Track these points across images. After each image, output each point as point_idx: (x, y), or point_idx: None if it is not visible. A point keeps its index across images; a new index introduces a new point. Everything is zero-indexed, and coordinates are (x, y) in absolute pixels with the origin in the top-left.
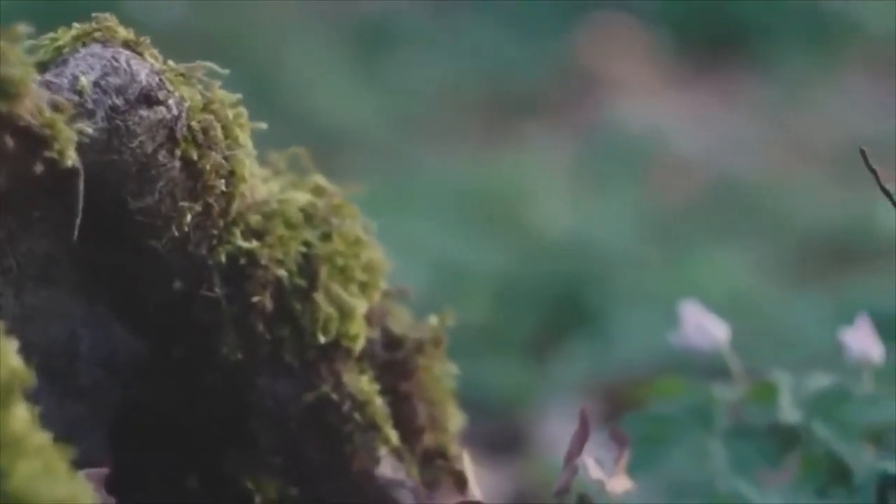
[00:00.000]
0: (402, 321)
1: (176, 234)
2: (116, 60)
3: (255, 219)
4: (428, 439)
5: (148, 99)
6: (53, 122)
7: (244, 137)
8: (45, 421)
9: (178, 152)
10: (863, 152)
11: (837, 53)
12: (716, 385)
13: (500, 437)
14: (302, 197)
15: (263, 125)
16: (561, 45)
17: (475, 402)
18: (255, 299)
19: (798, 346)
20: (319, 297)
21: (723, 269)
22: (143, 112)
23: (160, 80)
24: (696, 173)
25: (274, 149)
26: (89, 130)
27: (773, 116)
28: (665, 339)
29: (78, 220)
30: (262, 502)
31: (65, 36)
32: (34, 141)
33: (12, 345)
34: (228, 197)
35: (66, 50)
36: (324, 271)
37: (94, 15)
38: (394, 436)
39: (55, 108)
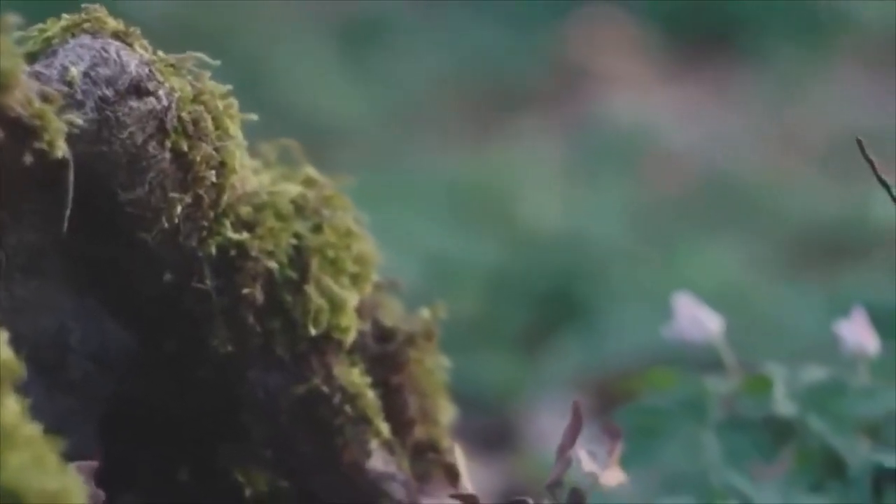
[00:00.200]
0: (393, 313)
1: (166, 225)
2: (106, 51)
3: (245, 210)
4: (419, 432)
5: (138, 90)
6: (43, 112)
7: (234, 128)
8: (35, 413)
9: (168, 143)
10: (859, 142)
11: (829, 46)
12: (709, 377)
13: (491, 431)
14: (293, 188)
15: (254, 116)
16: (551, 39)
17: (466, 396)
18: (246, 291)
19: (791, 339)
20: (310, 289)
21: (715, 263)
22: (133, 103)
23: (150, 70)
24: (687, 167)
25: (263, 142)
26: (79, 121)
27: (764, 110)
28: (656, 333)
29: (67, 212)
30: (252, 495)
31: (54, 27)
32: (24, 132)
33: (2, 336)
34: (219, 188)
35: (56, 41)
36: (315, 263)
37: (83, 6)
38: (385, 428)
39: (45, 98)
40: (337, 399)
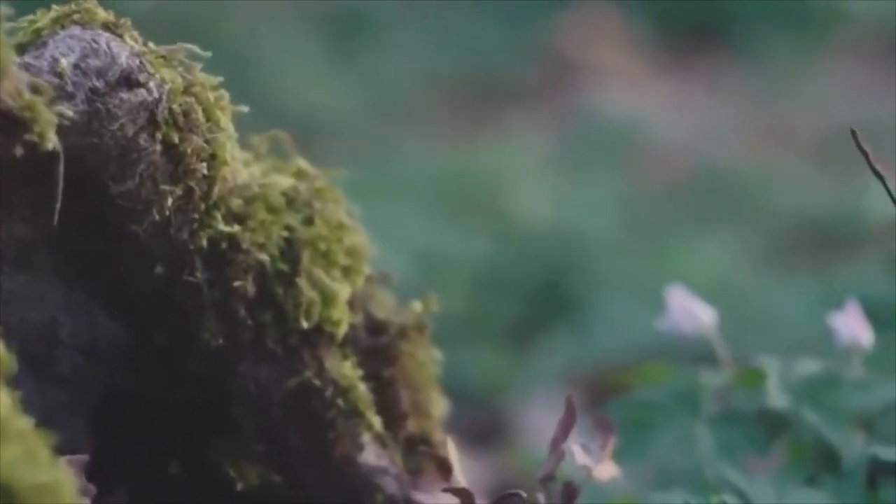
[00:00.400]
0: (385, 306)
1: (157, 218)
2: (96, 42)
3: (236, 202)
4: (412, 425)
5: (128, 81)
6: (33, 104)
7: (225, 120)
8: (26, 407)
9: (158, 135)
10: (854, 133)
11: (821, 39)
12: (702, 371)
13: (482, 426)
14: (284, 181)
15: (245, 108)
16: (541, 31)
17: (456, 391)
18: (237, 284)
19: (783, 332)
20: (302, 281)
21: (706, 256)
22: (124, 94)
23: (141, 62)
24: (678, 161)
25: (252, 135)
26: (69, 113)
27: (755, 103)
28: (647, 327)
29: (58, 205)
30: (244, 489)
31: (43, 18)
32: (14, 124)
33: None
34: (210, 180)
35: (46, 32)
36: (306, 256)
37: None
38: (377, 422)
39: (35, 90)
40: (329, 392)
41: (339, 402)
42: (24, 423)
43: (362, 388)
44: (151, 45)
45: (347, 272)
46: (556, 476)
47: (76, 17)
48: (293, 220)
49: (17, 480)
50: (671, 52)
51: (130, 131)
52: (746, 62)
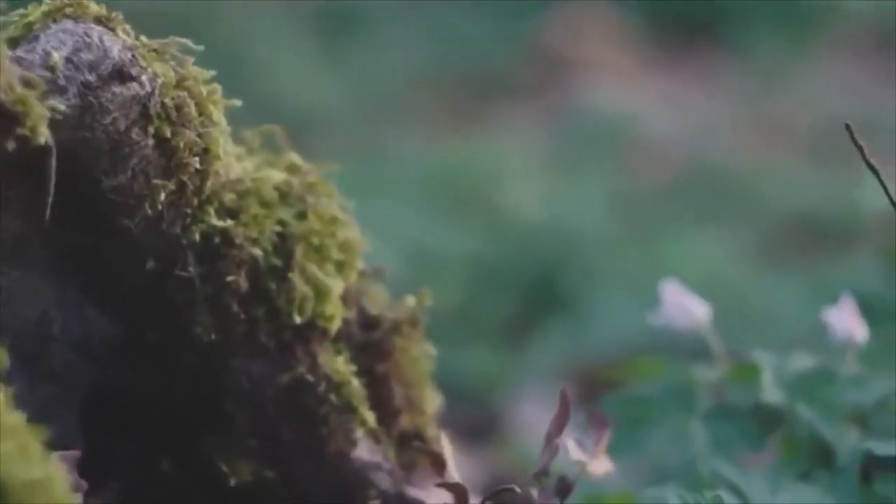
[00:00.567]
0: (378, 301)
1: (149, 212)
2: (88, 36)
3: (229, 197)
4: (405, 421)
5: (121, 75)
6: (25, 98)
7: (218, 115)
8: (18, 403)
9: (151, 129)
10: (848, 127)
11: (813, 35)
12: (697, 366)
13: (475, 422)
14: (277, 175)
15: (238, 102)
16: (534, 27)
17: (449, 386)
18: (230, 279)
19: (777, 327)
20: (295, 276)
21: (699, 252)
22: (116, 88)
23: (133, 55)
24: (671, 157)
25: (244, 129)
26: (62, 107)
27: (749, 99)
28: (641, 323)
29: (50, 199)
30: (237, 484)
31: (35, 12)
32: (6, 118)
33: None
34: (202, 175)
35: (37, 26)
36: (299, 250)
37: None
38: (370, 417)
39: (27, 84)
40: (322, 387)
41: (333, 397)
42: (17, 418)
43: (355, 384)
44: (144, 38)
45: (341, 267)
46: (551, 471)
47: (68, 10)
48: (286, 214)
49: (10, 476)
50: (665, 48)
51: (123, 125)
52: (740, 58)
